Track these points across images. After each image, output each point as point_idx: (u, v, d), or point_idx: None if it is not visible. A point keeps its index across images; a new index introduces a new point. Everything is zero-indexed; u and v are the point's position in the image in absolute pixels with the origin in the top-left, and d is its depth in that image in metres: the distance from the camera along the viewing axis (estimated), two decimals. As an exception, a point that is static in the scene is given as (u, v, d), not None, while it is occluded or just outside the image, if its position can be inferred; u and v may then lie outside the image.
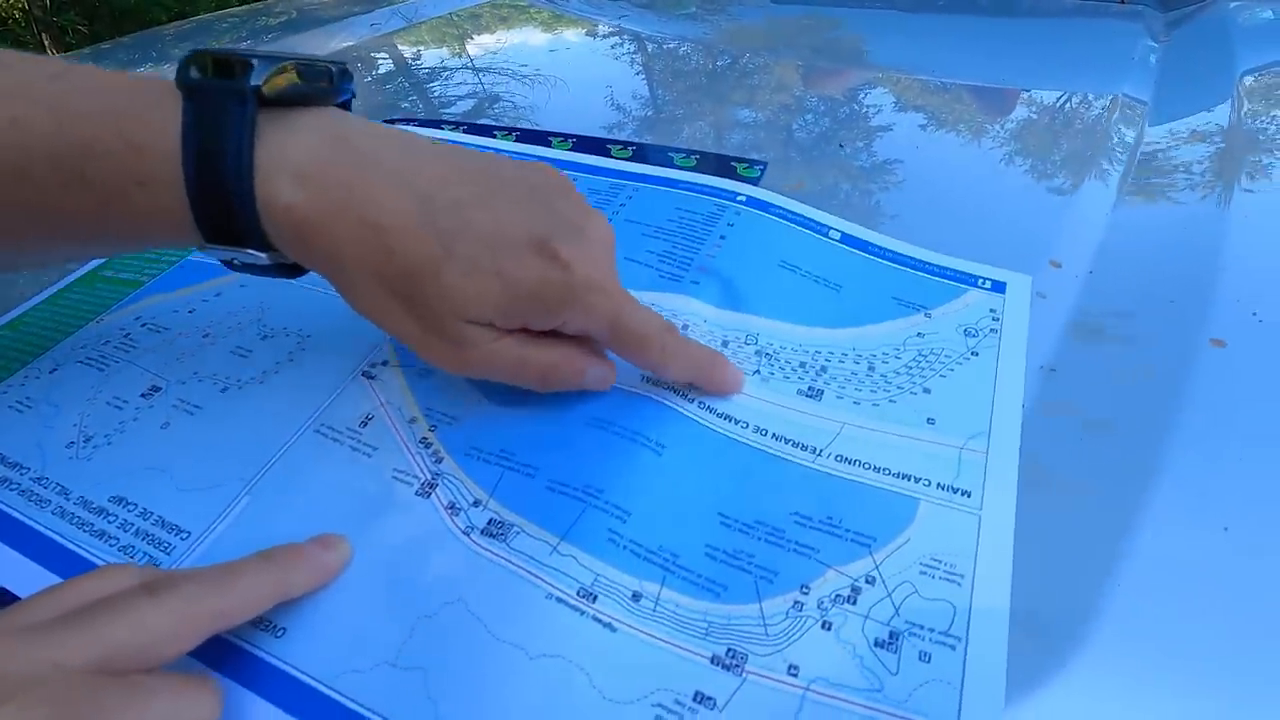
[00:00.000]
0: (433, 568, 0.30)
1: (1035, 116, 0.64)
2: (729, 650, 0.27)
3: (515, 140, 0.57)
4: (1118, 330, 0.40)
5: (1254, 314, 0.39)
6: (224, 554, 0.30)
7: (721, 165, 0.53)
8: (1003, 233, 0.48)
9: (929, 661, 0.27)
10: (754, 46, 0.82)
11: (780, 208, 0.47)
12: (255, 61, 0.29)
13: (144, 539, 0.31)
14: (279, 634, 0.28)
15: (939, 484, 0.32)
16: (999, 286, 0.42)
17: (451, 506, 0.32)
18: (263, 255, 0.31)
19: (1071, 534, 0.31)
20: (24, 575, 0.30)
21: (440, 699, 0.26)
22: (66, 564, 0.31)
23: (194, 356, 0.39)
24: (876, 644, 0.27)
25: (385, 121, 0.58)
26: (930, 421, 0.35)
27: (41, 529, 0.32)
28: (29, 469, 0.34)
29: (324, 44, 0.89)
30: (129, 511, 0.32)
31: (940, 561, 0.30)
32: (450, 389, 0.36)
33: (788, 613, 0.28)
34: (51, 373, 0.38)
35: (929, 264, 0.44)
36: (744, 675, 0.27)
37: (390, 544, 0.30)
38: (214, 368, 0.38)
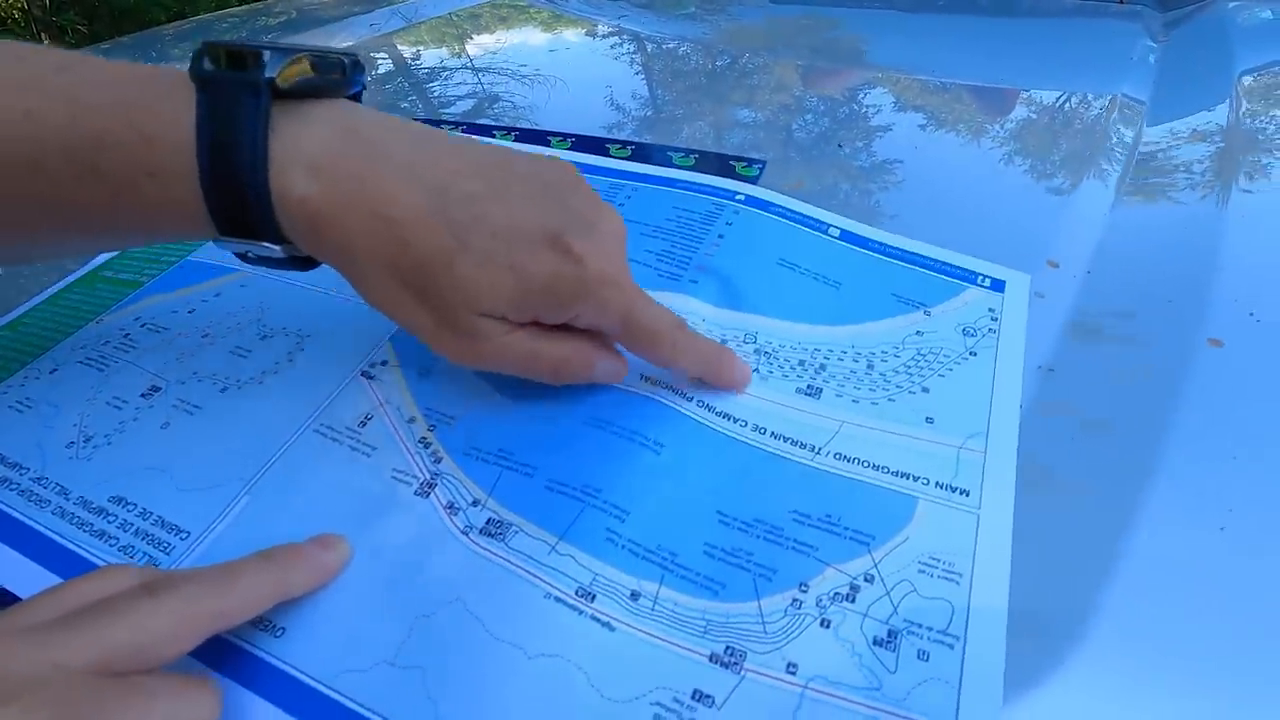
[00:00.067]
0: (432, 567, 0.30)
1: (1034, 117, 0.64)
2: (727, 648, 0.27)
3: (514, 140, 0.57)
4: (1115, 330, 0.40)
5: (1251, 314, 0.40)
6: (223, 554, 0.30)
7: (720, 164, 0.53)
8: (1001, 233, 0.48)
9: (927, 660, 0.27)
10: (753, 46, 0.82)
11: (779, 206, 0.47)
12: (268, 53, 0.29)
13: (144, 539, 0.31)
14: (278, 634, 0.28)
15: (937, 483, 0.32)
16: (998, 285, 0.42)
17: (450, 506, 0.32)
18: (277, 248, 0.31)
19: (1069, 533, 0.31)
20: (24, 575, 0.30)
21: (439, 698, 0.26)
22: (66, 564, 0.31)
23: (194, 357, 0.39)
24: (875, 642, 0.27)
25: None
26: (929, 420, 0.35)
27: (41, 529, 0.32)
28: (29, 469, 0.34)
29: (323, 44, 0.89)
30: (129, 511, 0.32)
31: (939, 560, 0.30)
32: (449, 389, 0.36)
33: (786, 611, 0.28)
34: (51, 373, 0.38)
35: (928, 259, 0.44)
36: (742, 673, 0.27)
37: (389, 544, 0.31)
38: (214, 368, 0.38)
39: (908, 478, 0.33)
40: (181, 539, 0.31)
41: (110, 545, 0.31)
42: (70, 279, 0.45)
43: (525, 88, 0.72)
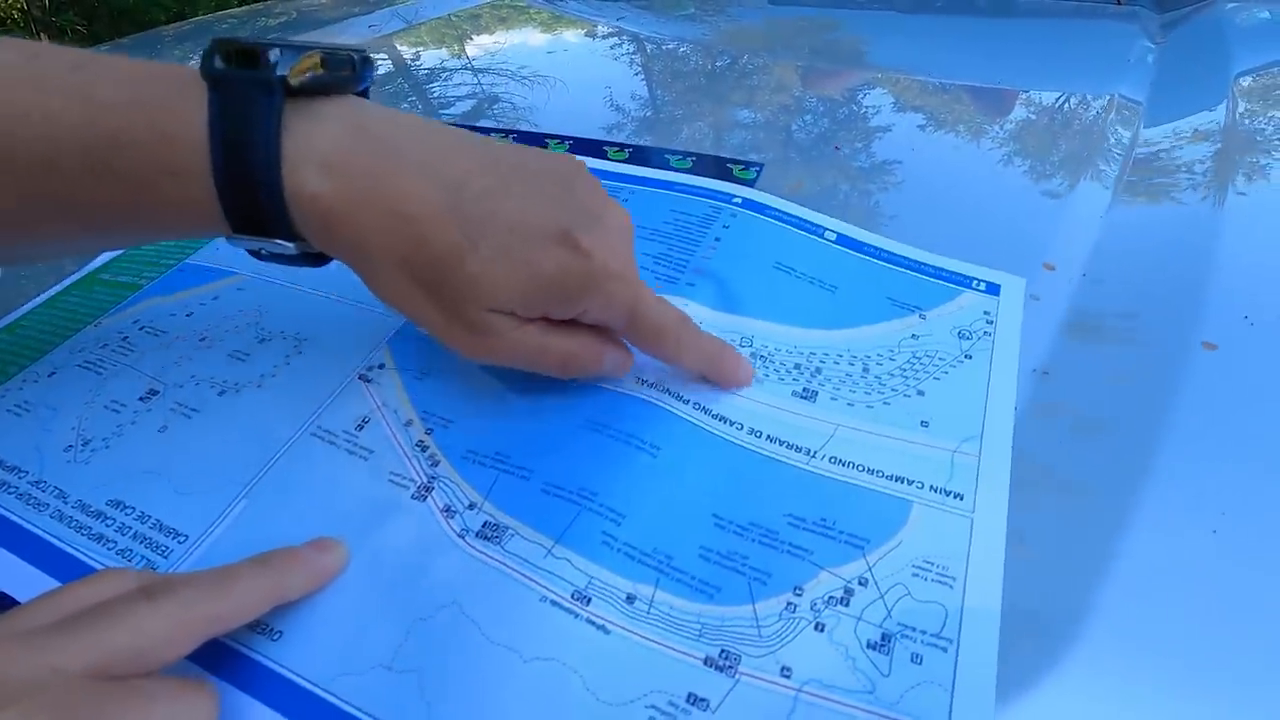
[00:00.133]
0: (428, 571, 0.30)
1: (1031, 118, 0.64)
2: (722, 651, 0.28)
3: (512, 142, 0.57)
4: (1111, 333, 0.40)
5: (1245, 317, 0.40)
6: (221, 557, 0.30)
7: (717, 167, 0.53)
8: (997, 235, 0.48)
9: (921, 663, 0.27)
10: (752, 47, 0.82)
11: (775, 209, 0.47)
12: (279, 51, 0.29)
13: (142, 542, 0.31)
14: (275, 637, 0.28)
15: (932, 486, 0.33)
16: (993, 288, 0.42)
17: (447, 510, 0.32)
18: (290, 245, 0.31)
19: (1063, 536, 0.31)
20: (22, 578, 0.30)
21: (435, 702, 0.26)
22: (64, 567, 0.31)
23: (192, 360, 0.39)
24: (869, 646, 0.28)
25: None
26: (924, 424, 0.35)
27: (39, 532, 0.32)
28: (27, 472, 0.34)
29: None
30: (127, 515, 0.32)
31: (932, 564, 0.30)
32: (446, 392, 0.37)
33: (781, 614, 0.29)
34: (50, 376, 0.38)
35: (924, 264, 0.44)
36: (737, 676, 0.27)
37: (386, 547, 0.31)
38: (211, 371, 0.38)
39: (902, 481, 0.33)
40: (179, 542, 0.31)
41: (108, 549, 0.31)
42: (68, 281, 0.45)
43: (524, 89, 0.72)
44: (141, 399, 0.37)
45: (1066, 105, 0.66)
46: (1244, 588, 0.29)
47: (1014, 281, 0.42)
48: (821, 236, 0.46)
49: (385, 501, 0.32)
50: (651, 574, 0.30)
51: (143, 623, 0.24)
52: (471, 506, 0.32)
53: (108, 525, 0.32)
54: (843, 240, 0.45)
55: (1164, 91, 0.66)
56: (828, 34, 0.84)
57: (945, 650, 0.27)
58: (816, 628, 0.28)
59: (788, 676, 0.27)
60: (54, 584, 0.30)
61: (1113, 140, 0.58)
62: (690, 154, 0.55)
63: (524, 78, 0.75)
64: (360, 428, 0.35)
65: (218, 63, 0.29)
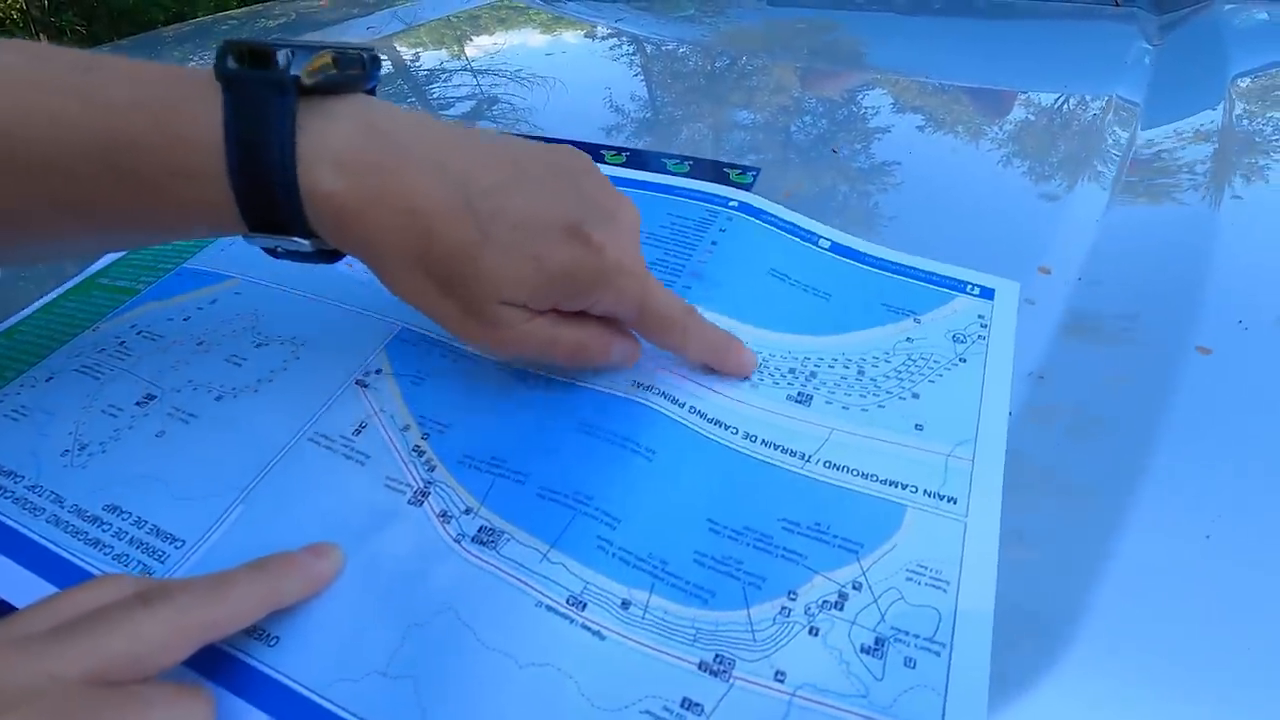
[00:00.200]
0: (424, 576, 0.30)
1: (1029, 119, 0.64)
2: (717, 656, 0.28)
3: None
4: (1106, 337, 0.40)
5: (1240, 321, 0.40)
6: (218, 563, 0.30)
7: (714, 171, 0.53)
8: (995, 237, 0.48)
9: (914, 667, 0.27)
10: (751, 49, 0.82)
11: (771, 214, 0.47)
12: (291, 51, 0.29)
13: (138, 547, 0.31)
14: (272, 643, 0.28)
15: (926, 490, 0.33)
16: (987, 293, 0.42)
17: (443, 514, 0.32)
18: (306, 242, 0.31)
19: (1056, 539, 0.31)
20: (17, 583, 0.30)
21: (431, 708, 0.26)
22: (60, 572, 0.31)
23: (189, 364, 0.39)
24: (862, 650, 0.28)
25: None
26: (918, 428, 0.35)
27: (35, 537, 0.32)
28: (23, 477, 0.34)
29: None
30: (123, 520, 0.32)
31: (926, 568, 0.30)
32: (443, 397, 0.37)
33: (775, 619, 0.29)
34: (47, 381, 0.38)
35: (917, 270, 0.44)
36: (731, 681, 0.27)
37: (383, 552, 0.31)
38: (209, 376, 0.38)
39: (896, 485, 0.33)
40: (176, 547, 0.31)
41: (104, 554, 0.31)
42: (67, 286, 0.45)
43: (523, 90, 0.72)
44: (138, 404, 0.37)
45: (1064, 106, 0.66)
46: (1237, 593, 0.29)
47: (1008, 285, 0.43)
48: (815, 244, 0.46)
49: (382, 507, 0.32)
50: (646, 579, 0.30)
51: (139, 629, 0.24)
52: (468, 511, 0.32)
53: (104, 530, 0.32)
54: (836, 248, 0.46)
55: (1161, 93, 0.66)
56: (826, 35, 0.84)
57: (938, 654, 0.27)
58: (810, 632, 0.28)
59: (781, 681, 0.27)
60: (50, 589, 0.30)
61: (1110, 141, 0.58)
62: (687, 158, 0.55)
63: (523, 79, 0.75)
64: (357, 433, 0.35)
65: (230, 63, 0.29)
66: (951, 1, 0.91)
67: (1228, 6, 0.82)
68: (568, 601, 0.29)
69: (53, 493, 0.34)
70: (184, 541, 0.32)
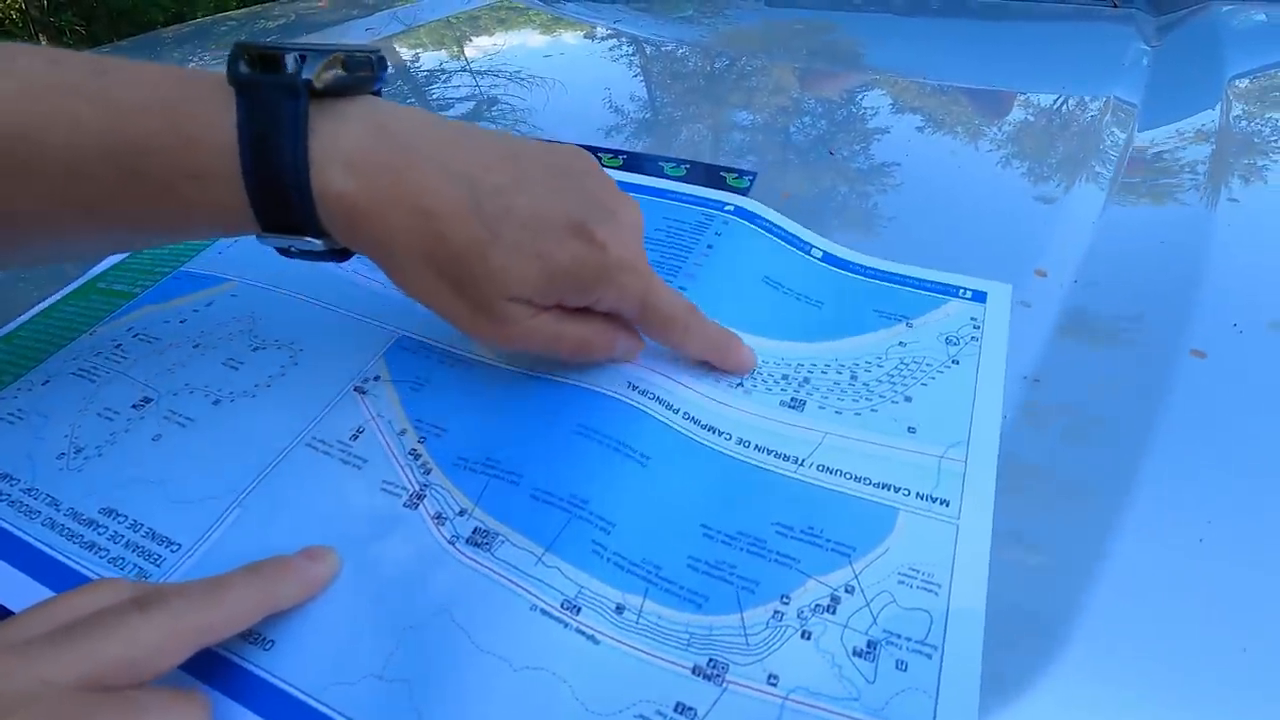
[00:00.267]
0: (419, 580, 0.30)
1: (1027, 120, 0.64)
2: (710, 660, 0.28)
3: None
4: (1101, 340, 0.40)
5: (1234, 325, 0.40)
6: (214, 567, 0.30)
7: (711, 175, 0.53)
8: (991, 238, 0.48)
9: (905, 670, 0.27)
10: (749, 50, 0.82)
11: (766, 220, 0.47)
12: (303, 54, 0.30)
13: (134, 551, 0.32)
14: (267, 646, 0.28)
15: (918, 493, 0.33)
16: (979, 296, 0.42)
17: (438, 517, 0.32)
18: (318, 242, 0.32)
19: (1050, 542, 0.31)
20: (13, 587, 0.30)
21: (426, 711, 0.26)
22: (56, 576, 0.31)
23: (186, 368, 0.39)
24: (854, 653, 0.28)
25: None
26: (911, 430, 0.35)
27: (31, 540, 0.32)
28: (19, 480, 0.34)
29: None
30: (119, 523, 0.32)
31: (918, 571, 0.30)
32: (441, 402, 0.37)
33: (768, 623, 0.29)
34: (44, 384, 0.39)
35: (909, 277, 0.44)
36: (724, 685, 0.27)
37: (378, 556, 0.31)
38: (206, 379, 0.38)
39: (889, 489, 0.33)
40: (172, 551, 0.32)
41: (100, 557, 0.31)
42: (66, 290, 0.45)
43: (523, 90, 0.72)
44: (135, 407, 0.37)
45: (1062, 107, 0.66)
46: (1230, 597, 0.29)
47: (1001, 288, 0.43)
48: (808, 254, 0.46)
49: (377, 510, 0.32)
50: (640, 584, 0.30)
51: (135, 633, 0.24)
52: (462, 513, 0.32)
53: (100, 533, 0.32)
54: (828, 258, 0.46)
55: (1159, 94, 0.66)
56: (824, 36, 0.84)
57: (930, 657, 0.28)
58: (803, 636, 0.28)
59: (774, 684, 0.27)
60: (45, 592, 0.30)
61: (1108, 142, 0.58)
62: (684, 161, 0.55)
63: (522, 80, 0.75)
64: (354, 437, 0.35)
65: (242, 67, 0.30)
66: (949, 2, 0.91)
67: (1225, 8, 0.82)
68: (562, 605, 0.29)
69: (49, 496, 0.34)
70: (180, 545, 0.32)
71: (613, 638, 0.28)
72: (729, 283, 0.43)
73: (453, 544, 0.31)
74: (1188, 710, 0.27)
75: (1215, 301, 0.41)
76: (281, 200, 0.30)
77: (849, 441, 0.35)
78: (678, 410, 0.36)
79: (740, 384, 0.38)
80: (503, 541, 0.31)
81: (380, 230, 0.31)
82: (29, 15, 3.30)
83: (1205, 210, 0.49)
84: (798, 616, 0.29)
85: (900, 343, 0.40)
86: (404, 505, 0.33)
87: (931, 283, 0.43)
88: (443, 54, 0.86)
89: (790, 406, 0.37)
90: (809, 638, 0.28)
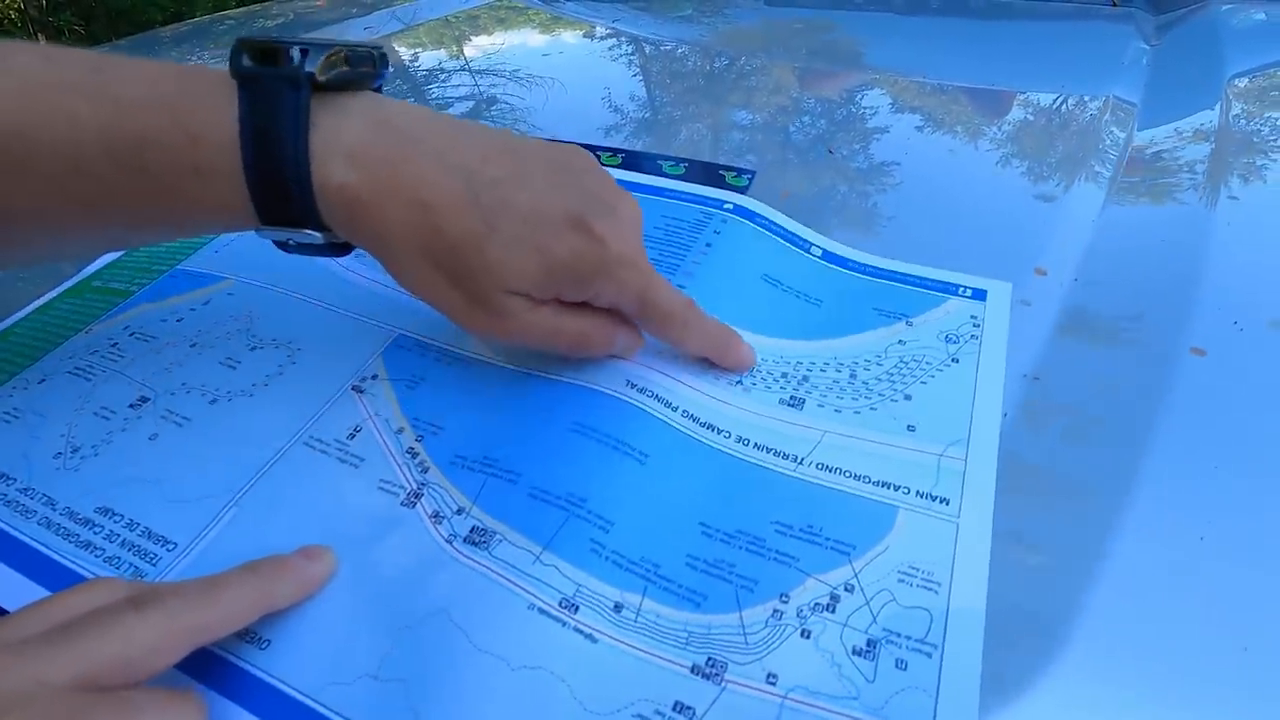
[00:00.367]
0: (416, 579, 0.30)
1: (1027, 119, 0.64)
2: (709, 659, 0.28)
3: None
4: (1101, 338, 0.40)
5: (1235, 323, 0.40)
6: (211, 566, 0.30)
7: (709, 174, 0.53)
8: (991, 237, 0.48)
9: (905, 669, 0.27)
10: (749, 49, 0.82)
11: (765, 218, 0.47)
12: (306, 49, 0.30)
13: (130, 550, 0.31)
14: (263, 646, 0.28)
15: (918, 492, 0.33)
16: (979, 294, 0.42)
17: (435, 515, 0.32)
18: (318, 235, 0.32)
19: (1050, 541, 0.31)
20: (8, 586, 0.30)
21: (422, 711, 0.26)
22: (51, 575, 0.31)
23: (182, 367, 0.39)
24: (854, 652, 0.28)
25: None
26: (910, 429, 0.35)
27: (27, 540, 0.32)
28: (15, 479, 0.34)
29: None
30: (115, 522, 0.32)
31: (918, 569, 0.30)
32: (438, 400, 0.37)
33: (767, 621, 0.29)
34: (40, 383, 0.38)
35: (909, 276, 0.44)
36: (723, 684, 0.27)
37: (375, 555, 0.31)
38: (202, 378, 0.38)
39: (889, 487, 0.33)
40: (168, 550, 0.31)
41: (96, 556, 0.31)
42: (61, 289, 0.45)
43: (522, 90, 0.72)
44: (131, 406, 0.37)
45: (1062, 107, 0.66)
46: (1231, 595, 0.29)
47: (1000, 287, 0.43)
48: (808, 252, 0.46)
49: (375, 509, 0.32)
50: (639, 582, 0.30)
51: (130, 633, 0.24)
52: (460, 511, 0.32)
53: (96, 533, 0.32)
54: (828, 256, 0.46)
55: (1159, 93, 0.66)
56: (824, 35, 0.84)
57: (930, 656, 0.27)
58: (802, 634, 0.28)
59: (773, 683, 0.27)
60: (41, 591, 0.30)
61: (1108, 141, 0.58)
62: (683, 160, 0.55)
63: (521, 79, 0.75)
64: (352, 436, 0.35)
65: (245, 61, 0.30)
66: (949, 1, 0.91)
67: (1225, 7, 0.82)
68: (560, 604, 0.29)
69: (44, 495, 0.34)
70: (176, 544, 0.32)
71: (611, 636, 0.28)
72: (728, 281, 0.43)
73: (450, 543, 0.31)
74: (1188, 710, 0.26)
75: (1215, 300, 0.41)
76: (282, 193, 0.30)
77: (848, 440, 0.35)
78: (676, 408, 0.36)
79: (739, 382, 0.38)
80: (500, 540, 0.31)
81: (378, 222, 0.31)
82: (28, 15, 3.30)
83: (1205, 209, 0.49)
84: (797, 615, 0.29)
85: (900, 341, 0.40)
86: (401, 504, 0.32)
87: (931, 281, 0.43)
88: (441, 53, 0.86)
89: (789, 404, 0.36)
90: (808, 636, 0.28)
